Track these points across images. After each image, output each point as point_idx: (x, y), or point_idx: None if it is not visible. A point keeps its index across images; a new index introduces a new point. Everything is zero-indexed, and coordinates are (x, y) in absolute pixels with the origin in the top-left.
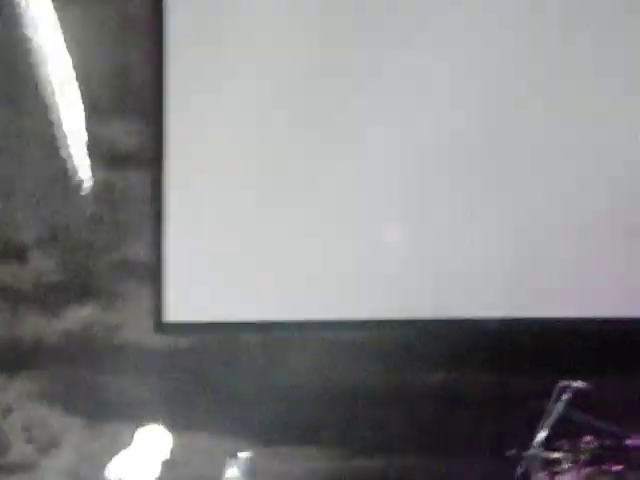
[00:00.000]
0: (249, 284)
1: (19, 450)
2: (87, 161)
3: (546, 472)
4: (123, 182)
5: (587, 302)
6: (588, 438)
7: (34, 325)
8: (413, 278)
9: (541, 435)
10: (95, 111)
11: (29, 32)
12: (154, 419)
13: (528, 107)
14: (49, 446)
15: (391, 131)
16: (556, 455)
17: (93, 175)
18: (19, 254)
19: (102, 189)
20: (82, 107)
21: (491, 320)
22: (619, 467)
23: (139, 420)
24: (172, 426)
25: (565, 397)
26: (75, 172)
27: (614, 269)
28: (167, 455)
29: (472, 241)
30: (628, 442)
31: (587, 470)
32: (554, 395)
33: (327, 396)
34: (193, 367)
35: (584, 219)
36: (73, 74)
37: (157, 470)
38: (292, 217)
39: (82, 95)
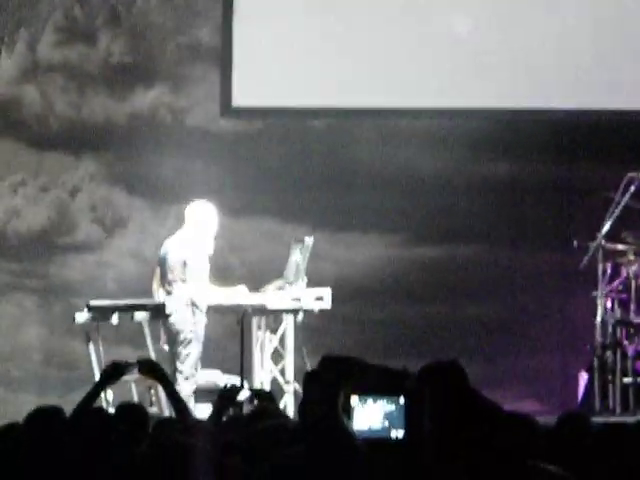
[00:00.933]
0: (318, 70)
1: (86, 230)
2: None
3: (611, 263)
4: None
5: None
6: None
7: (101, 107)
8: (482, 68)
9: (606, 226)
10: None
11: None
12: (219, 204)
13: None
14: (115, 226)
15: None
16: (621, 246)
17: None
18: (88, 35)
19: None
20: None
21: (559, 111)
22: None
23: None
24: (238, 210)
25: (632, 189)
26: None
27: None
28: (214, 230)
29: (545, 32)
30: None
31: None
32: (621, 186)
33: (392, 183)
34: (259, 152)
35: None
36: None
37: (211, 246)
38: (359, 5)
39: None
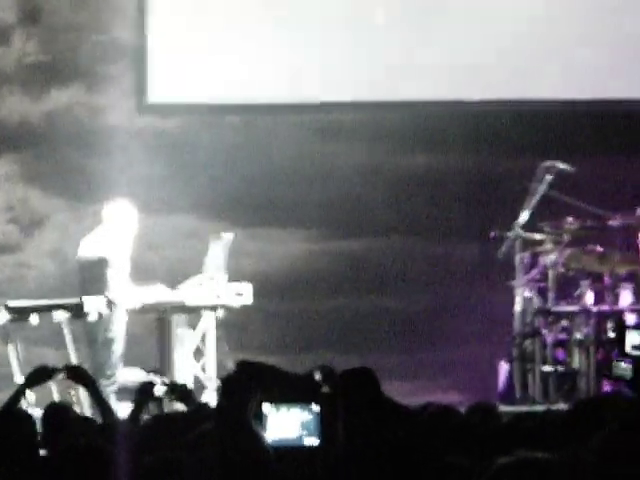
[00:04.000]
0: (234, 66)
1: (3, 230)
2: None
3: (528, 252)
4: None
5: (572, 83)
6: (570, 219)
7: (17, 106)
8: (401, 61)
9: (523, 216)
10: None
11: None
12: (137, 201)
13: None
14: (33, 226)
15: None
16: (538, 236)
17: None
18: (1, 34)
19: None
20: None
21: (476, 102)
22: (601, 247)
23: (123, 202)
24: (157, 208)
25: (548, 178)
26: None
27: (601, 48)
28: (134, 229)
29: (456, 19)
30: (610, 222)
31: (569, 250)
32: (537, 176)
33: (311, 178)
34: (177, 149)
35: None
36: None
37: (129, 246)
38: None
39: None
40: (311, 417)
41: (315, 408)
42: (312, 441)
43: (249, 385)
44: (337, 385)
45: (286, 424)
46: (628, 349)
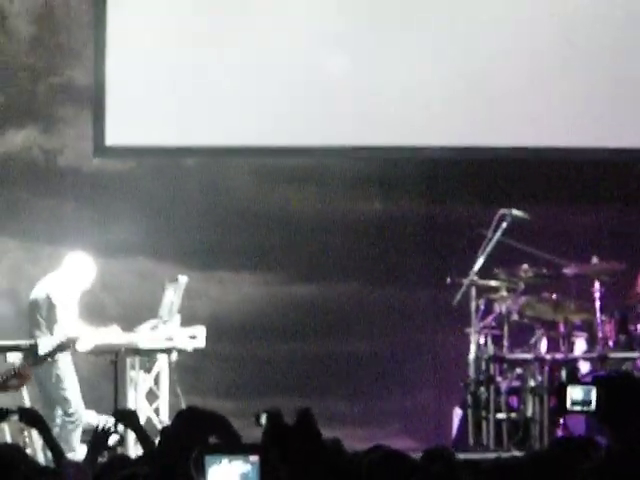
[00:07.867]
0: (189, 109)
1: None
2: None
3: (483, 299)
4: (64, 4)
5: (527, 130)
6: (525, 266)
7: None
8: (355, 106)
9: (479, 263)
10: None
11: None
12: (93, 243)
13: None
14: None
15: None
16: (494, 283)
17: None
18: None
19: (43, 11)
20: None
21: (433, 148)
22: (556, 295)
23: (78, 244)
24: (112, 250)
25: (504, 225)
26: None
27: (556, 98)
28: (89, 283)
29: (412, 66)
30: (565, 270)
31: (524, 298)
32: (493, 223)
33: (266, 222)
34: (132, 192)
35: (534, 47)
36: None
37: (78, 294)
38: (230, 44)
39: None
40: (252, 469)
41: (254, 459)
42: None
43: (189, 434)
44: (276, 436)
45: (227, 476)
46: (569, 405)
